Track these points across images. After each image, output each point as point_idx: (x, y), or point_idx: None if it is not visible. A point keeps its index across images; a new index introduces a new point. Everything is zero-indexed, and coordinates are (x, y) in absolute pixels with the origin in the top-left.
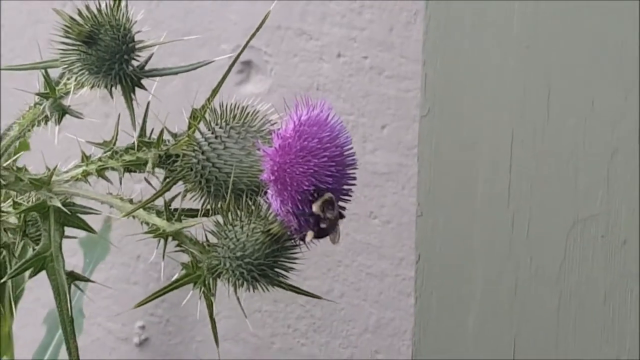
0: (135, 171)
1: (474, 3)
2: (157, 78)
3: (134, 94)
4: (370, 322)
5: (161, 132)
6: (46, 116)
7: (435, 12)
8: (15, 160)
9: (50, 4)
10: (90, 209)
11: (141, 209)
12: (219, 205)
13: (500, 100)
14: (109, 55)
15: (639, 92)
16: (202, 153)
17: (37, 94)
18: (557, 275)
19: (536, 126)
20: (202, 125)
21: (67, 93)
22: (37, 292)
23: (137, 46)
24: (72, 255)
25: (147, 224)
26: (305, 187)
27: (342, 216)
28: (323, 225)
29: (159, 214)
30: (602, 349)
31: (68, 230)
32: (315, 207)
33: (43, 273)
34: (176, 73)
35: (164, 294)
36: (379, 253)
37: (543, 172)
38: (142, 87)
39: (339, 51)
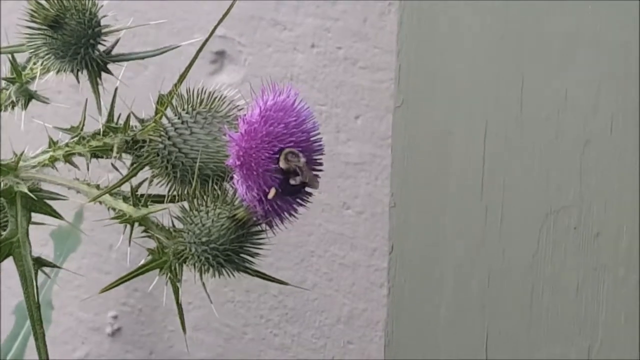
0: (102, 157)
1: None
2: (126, 64)
3: (101, 78)
4: (342, 313)
5: (128, 117)
6: (12, 101)
7: (409, 3)
8: None
9: None
10: (57, 194)
11: (108, 195)
12: (185, 191)
13: (473, 91)
14: (75, 39)
15: (612, 84)
16: (169, 138)
17: (4, 79)
18: (529, 266)
19: (509, 118)
20: (169, 111)
21: (34, 78)
22: (8, 282)
23: (103, 31)
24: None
25: (114, 209)
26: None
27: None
28: (293, 182)
29: (125, 199)
30: (575, 340)
31: (39, 218)
32: (281, 164)
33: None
34: (142, 58)
35: (130, 279)
36: (352, 244)
37: (516, 164)
38: (108, 72)
39: (313, 42)
